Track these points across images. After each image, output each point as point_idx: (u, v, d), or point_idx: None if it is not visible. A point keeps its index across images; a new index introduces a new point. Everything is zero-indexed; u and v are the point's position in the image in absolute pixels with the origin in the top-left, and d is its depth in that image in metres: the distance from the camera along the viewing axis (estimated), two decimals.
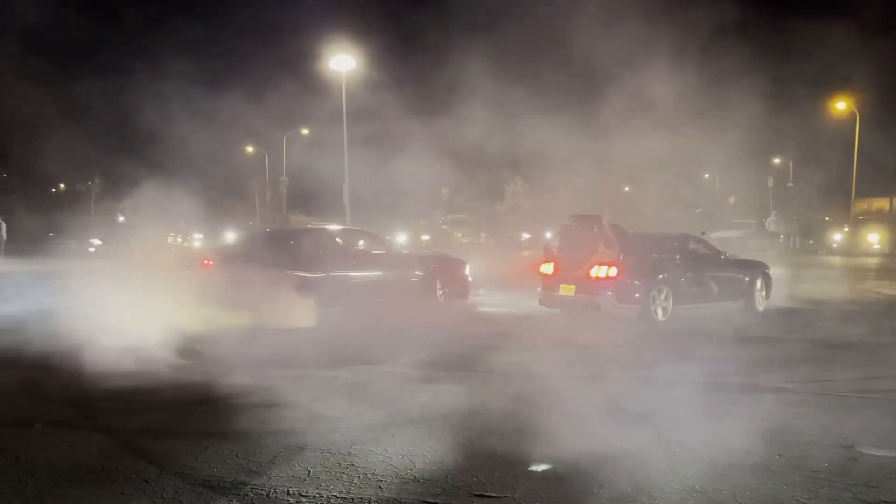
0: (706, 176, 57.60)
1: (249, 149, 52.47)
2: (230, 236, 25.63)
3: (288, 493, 4.80)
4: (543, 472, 5.14)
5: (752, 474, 5.07)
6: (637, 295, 12.18)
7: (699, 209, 50.85)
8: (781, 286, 15.22)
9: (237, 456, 5.49)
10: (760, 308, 13.93)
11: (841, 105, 40.15)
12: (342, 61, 30.67)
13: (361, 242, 14.60)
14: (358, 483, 4.97)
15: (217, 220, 27.81)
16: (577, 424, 6.21)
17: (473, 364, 8.97)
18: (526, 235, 37.83)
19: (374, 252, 14.31)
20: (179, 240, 27.64)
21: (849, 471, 5.16)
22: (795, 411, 6.79)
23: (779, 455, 5.48)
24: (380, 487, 4.89)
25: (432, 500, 4.66)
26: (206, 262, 13.88)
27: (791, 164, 55.58)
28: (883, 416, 6.59)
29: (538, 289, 13.21)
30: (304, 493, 4.80)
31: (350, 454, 5.52)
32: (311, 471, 5.18)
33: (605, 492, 4.78)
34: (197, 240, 27.65)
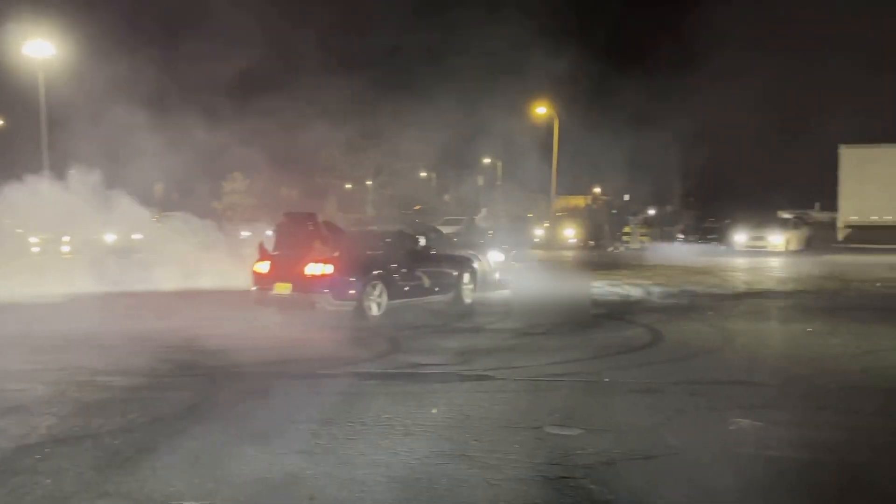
0: (423, 175, 59.90)
1: None
2: None
3: None
4: (245, 475, 5.06)
5: (449, 460, 5.33)
6: (352, 291, 12.33)
7: (418, 206, 52.71)
8: (488, 279, 16.15)
9: None
10: (468, 300, 14.66)
11: (542, 110, 43.27)
12: (38, 47, 28.25)
13: None
14: (47, 500, 4.60)
15: None
16: (280, 424, 6.20)
17: (187, 368, 8.65)
18: (245, 234, 36.97)
19: None
20: None
21: (536, 451, 5.58)
22: (494, 397, 7.24)
23: (475, 440, 5.80)
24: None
25: None
26: None
27: (500, 164, 59.24)
28: (568, 398, 7.21)
29: (252, 288, 12.97)
30: None
31: (35, 472, 5.09)
32: None
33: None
34: None
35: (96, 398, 7.20)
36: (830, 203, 37.42)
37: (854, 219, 33.46)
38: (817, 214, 44.93)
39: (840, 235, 34.18)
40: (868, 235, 33.65)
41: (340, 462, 5.30)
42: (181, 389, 7.54)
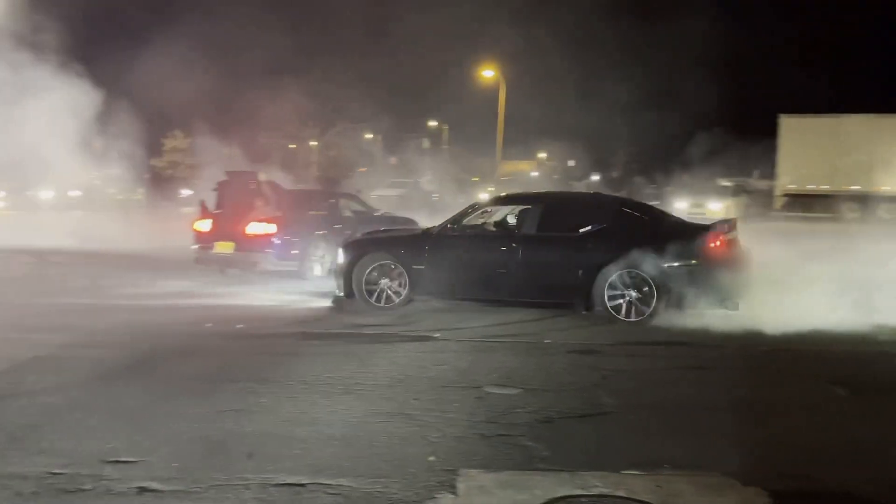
0: (369, 137, 59.45)
1: None
2: None
3: None
4: (183, 434, 5.03)
5: (389, 418, 5.37)
6: (295, 252, 12.28)
7: (363, 168, 52.37)
8: None
9: None
10: None
11: (489, 73, 43.01)
12: None
13: None
14: None
15: None
16: (220, 384, 6.17)
17: (126, 327, 8.54)
18: (187, 192, 36.42)
19: None
20: None
21: (475, 409, 5.65)
22: (434, 357, 7.29)
23: (415, 399, 5.85)
24: (5, 461, 4.50)
25: (60, 472, 4.35)
26: None
27: (447, 127, 59.14)
28: (507, 359, 7.29)
29: (193, 246, 12.81)
30: None
31: None
32: None
33: (252, 461, 4.80)
34: None
35: (31, 356, 7.07)
36: (768, 171, 38.08)
37: (792, 187, 34.11)
38: (756, 182, 45.73)
39: (778, 204, 34.83)
40: (804, 204, 34.39)
41: (280, 420, 5.31)
42: (120, 348, 7.44)
